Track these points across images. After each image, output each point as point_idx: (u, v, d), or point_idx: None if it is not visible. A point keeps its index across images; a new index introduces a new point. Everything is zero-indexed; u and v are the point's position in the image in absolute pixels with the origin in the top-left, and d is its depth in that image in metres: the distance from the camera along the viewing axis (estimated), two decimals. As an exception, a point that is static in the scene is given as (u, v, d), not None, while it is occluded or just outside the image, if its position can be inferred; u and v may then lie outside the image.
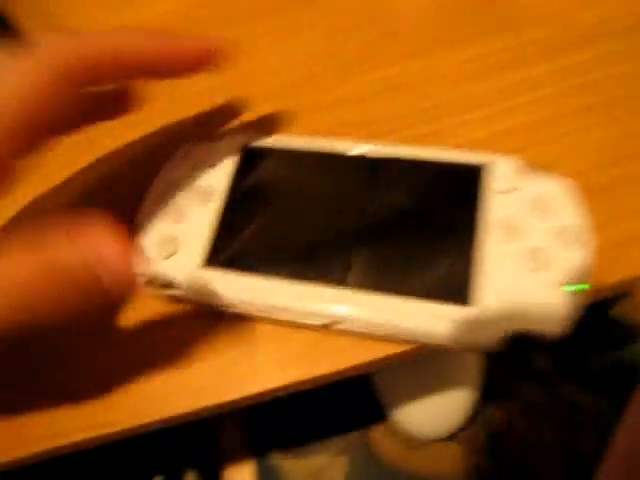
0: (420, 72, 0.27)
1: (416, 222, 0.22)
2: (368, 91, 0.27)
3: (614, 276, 0.21)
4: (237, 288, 0.21)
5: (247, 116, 0.26)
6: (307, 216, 0.22)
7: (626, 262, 0.21)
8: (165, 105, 0.27)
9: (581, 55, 0.26)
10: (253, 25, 0.30)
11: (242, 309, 0.21)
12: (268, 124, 0.26)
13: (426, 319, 0.20)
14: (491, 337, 0.19)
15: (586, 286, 0.20)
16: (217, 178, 0.23)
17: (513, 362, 0.39)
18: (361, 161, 0.23)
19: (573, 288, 0.19)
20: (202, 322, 0.22)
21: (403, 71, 0.27)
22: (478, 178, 0.22)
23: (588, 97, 0.25)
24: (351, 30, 0.29)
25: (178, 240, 0.22)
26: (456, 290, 0.20)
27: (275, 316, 0.21)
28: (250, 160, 0.24)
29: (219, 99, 0.27)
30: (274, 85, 0.28)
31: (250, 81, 0.28)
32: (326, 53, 0.29)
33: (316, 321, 0.21)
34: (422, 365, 0.36)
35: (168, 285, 0.21)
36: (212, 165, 0.24)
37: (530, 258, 0.20)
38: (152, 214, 0.23)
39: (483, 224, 0.21)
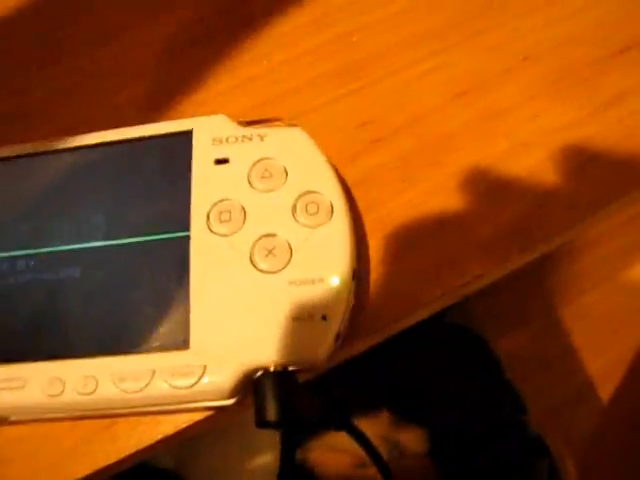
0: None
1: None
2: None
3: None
4: None
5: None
6: None
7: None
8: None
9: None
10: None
11: None
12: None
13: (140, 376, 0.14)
14: (225, 383, 0.14)
15: (347, 281, 0.14)
16: None
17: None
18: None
19: (329, 286, 0.14)
20: None
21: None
22: (183, 150, 0.16)
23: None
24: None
25: None
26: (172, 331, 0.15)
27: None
28: None
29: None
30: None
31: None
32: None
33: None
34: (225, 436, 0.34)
35: None
36: None
37: (260, 252, 0.14)
38: None
39: (196, 215, 0.15)
